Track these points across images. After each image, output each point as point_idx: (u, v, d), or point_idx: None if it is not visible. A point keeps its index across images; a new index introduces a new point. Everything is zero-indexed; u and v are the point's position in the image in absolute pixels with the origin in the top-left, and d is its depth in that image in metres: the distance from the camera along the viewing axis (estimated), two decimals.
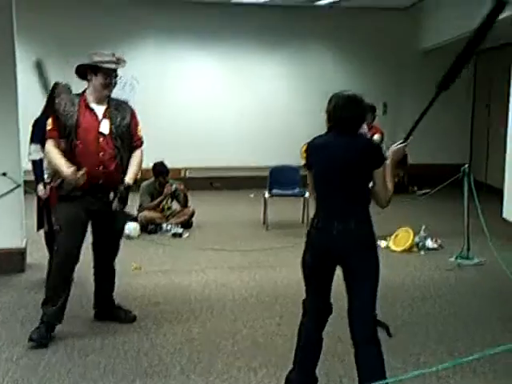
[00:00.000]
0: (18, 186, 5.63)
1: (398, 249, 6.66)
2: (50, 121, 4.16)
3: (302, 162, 3.23)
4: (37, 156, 5.05)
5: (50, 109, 5.19)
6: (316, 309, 3.14)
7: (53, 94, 5.23)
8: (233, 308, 4.80)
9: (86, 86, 4.23)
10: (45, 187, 5.05)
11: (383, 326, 4.02)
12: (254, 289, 5.30)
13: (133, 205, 7.91)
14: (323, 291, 3.12)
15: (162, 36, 11.54)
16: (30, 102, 5.76)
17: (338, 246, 2.98)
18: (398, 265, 6.12)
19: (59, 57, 10.98)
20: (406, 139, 3.21)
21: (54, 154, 4.07)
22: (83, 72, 4.17)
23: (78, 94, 4.20)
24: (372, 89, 11.84)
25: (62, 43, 10.95)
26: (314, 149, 3.14)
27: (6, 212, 5.46)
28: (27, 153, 5.12)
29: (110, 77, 4.12)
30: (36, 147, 5.04)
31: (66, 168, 3.96)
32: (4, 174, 5.41)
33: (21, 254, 5.67)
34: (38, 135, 4.99)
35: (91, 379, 3.48)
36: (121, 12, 11.14)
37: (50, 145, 4.11)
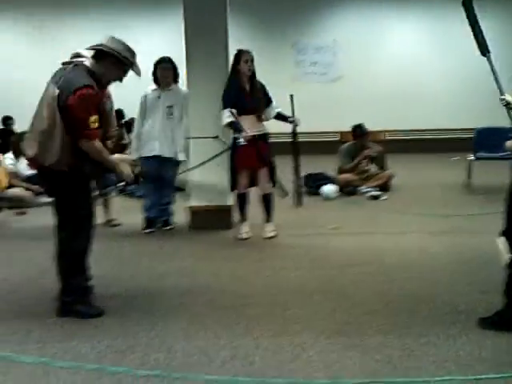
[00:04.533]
0: (229, 148, 5.98)
1: None
2: None
3: None
4: (232, 119, 5.42)
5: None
6: None
7: (237, 60, 5.47)
8: (432, 273, 4.67)
9: None
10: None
11: None
12: (455, 255, 5.10)
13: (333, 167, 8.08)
14: None
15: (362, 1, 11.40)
16: None
17: None
18: None
19: (259, 24, 11.45)
20: None
21: None
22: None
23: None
24: None
25: (262, 12, 11.34)
26: None
27: (216, 172, 5.86)
28: (222, 119, 5.50)
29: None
30: (229, 113, 5.41)
31: None
32: (216, 137, 5.79)
33: (228, 211, 6.07)
34: (229, 102, 5.41)
35: (291, 331, 3.64)
36: None
37: None
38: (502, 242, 3.64)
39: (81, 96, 3.59)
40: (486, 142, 7.78)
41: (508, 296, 3.59)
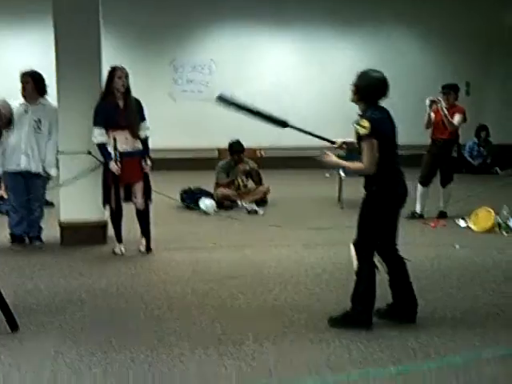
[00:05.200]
0: (101, 163, 5.82)
1: (479, 229, 6.46)
2: None
3: (363, 132, 3.68)
4: (103, 139, 5.33)
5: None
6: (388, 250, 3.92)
7: (111, 77, 5.36)
8: (306, 283, 4.81)
9: None
10: (116, 164, 5.30)
11: None
12: (328, 265, 5.28)
13: (209, 183, 8.12)
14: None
15: (238, 20, 11.61)
16: None
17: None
18: (478, 245, 5.93)
19: (136, 41, 11.33)
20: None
21: None
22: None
23: None
24: (454, 67, 11.46)
25: (139, 29, 11.24)
26: (379, 123, 3.71)
27: (89, 187, 5.68)
28: (92, 136, 5.37)
29: None
30: (100, 131, 5.32)
31: None
32: (89, 153, 5.64)
33: (102, 226, 5.90)
34: (101, 119, 5.29)
35: (168, 343, 3.59)
36: None
37: None
38: (352, 250, 3.87)
39: None
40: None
41: (352, 300, 3.84)
